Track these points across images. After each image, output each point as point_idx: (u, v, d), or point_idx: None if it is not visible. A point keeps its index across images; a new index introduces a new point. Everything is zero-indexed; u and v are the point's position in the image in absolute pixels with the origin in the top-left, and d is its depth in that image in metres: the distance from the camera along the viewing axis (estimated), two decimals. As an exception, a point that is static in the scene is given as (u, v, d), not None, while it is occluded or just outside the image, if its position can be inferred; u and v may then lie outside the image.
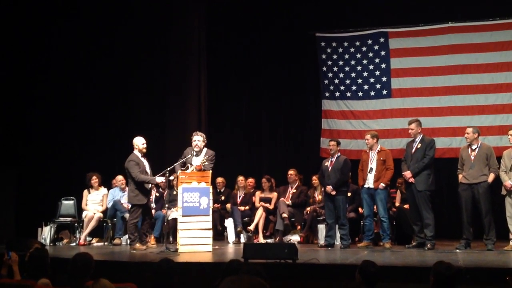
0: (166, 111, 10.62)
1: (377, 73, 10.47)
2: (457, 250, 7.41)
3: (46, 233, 9.09)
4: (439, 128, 9.91)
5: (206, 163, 7.77)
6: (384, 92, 10.42)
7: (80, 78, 10.72)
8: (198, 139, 7.97)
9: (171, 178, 7.96)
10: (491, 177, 7.59)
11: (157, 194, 9.37)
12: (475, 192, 7.59)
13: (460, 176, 7.81)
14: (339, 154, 8.45)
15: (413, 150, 7.96)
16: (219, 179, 9.85)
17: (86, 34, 10.69)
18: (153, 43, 10.76)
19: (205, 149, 8.01)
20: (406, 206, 8.56)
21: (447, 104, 10.01)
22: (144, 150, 8.01)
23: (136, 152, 7.97)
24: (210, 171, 7.77)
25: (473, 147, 7.75)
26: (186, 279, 5.32)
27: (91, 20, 10.67)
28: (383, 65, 10.43)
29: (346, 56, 10.68)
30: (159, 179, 7.84)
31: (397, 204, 9.20)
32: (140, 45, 10.71)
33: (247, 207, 9.44)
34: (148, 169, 7.99)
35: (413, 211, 7.94)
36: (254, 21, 11.20)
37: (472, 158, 7.69)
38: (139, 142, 8.01)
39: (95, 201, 9.44)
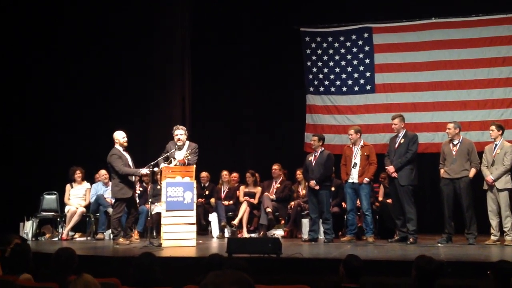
0: (149, 105, 10.55)
1: (361, 68, 10.52)
2: (439, 244, 7.48)
3: (28, 228, 9.01)
4: (421, 123, 9.99)
5: (190, 157, 7.74)
6: (368, 87, 10.47)
7: (63, 72, 10.59)
8: (180, 132, 7.91)
9: (156, 169, 7.90)
10: (472, 172, 7.67)
11: (141, 189, 9.33)
12: (457, 187, 7.67)
13: (441, 171, 7.88)
14: (323, 149, 8.47)
15: (396, 145, 8.02)
16: (203, 174, 9.84)
17: (69, 28, 10.56)
18: (137, 36, 10.65)
19: (187, 142, 7.97)
20: (389, 200, 8.63)
21: (430, 100, 10.09)
22: (125, 144, 7.95)
23: (117, 146, 7.91)
24: (194, 166, 7.75)
25: (455, 142, 7.82)
26: (169, 274, 5.31)
27: (74, 14, 10.55)
28: (367, 60, 10.48)
29: (331, 51, 10.70)
30: (144, 170, 7.80)
31: (380, 198, 9.28)
32: (123, 37, 10.59)
33: (231, 202, 9.45)
34: (130, 163, 7.94)
35: (396, 206, 8.01)
36: (239, 15, 11.17)
37: (454, 153, 7.76)
38: (120, 136, 7.95)
39: (78, 196, 9.37)
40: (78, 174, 9.37)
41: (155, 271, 3.80)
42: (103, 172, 9.34)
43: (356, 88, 10.54)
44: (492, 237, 7.50)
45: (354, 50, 10.55)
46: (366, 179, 8.04)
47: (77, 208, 9.12)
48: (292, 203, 9.16)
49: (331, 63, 10.69)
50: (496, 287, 3.68)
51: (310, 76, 10.80)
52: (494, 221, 7.52)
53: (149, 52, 10.59)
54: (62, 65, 10.58)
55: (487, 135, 8.21)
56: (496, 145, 7.67)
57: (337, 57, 10.67)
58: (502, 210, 7.48)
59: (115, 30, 10.61)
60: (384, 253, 6.70)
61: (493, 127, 7.73)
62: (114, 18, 10.62)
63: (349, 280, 3.85)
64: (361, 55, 10.52)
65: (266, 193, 9.16)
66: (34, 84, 10.55)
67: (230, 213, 9.32)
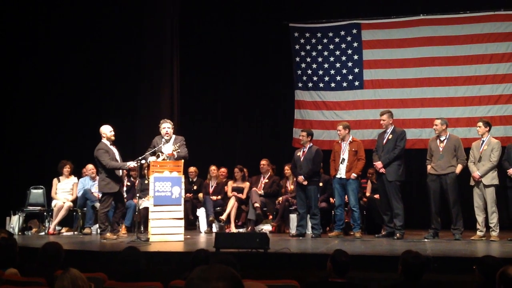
0: (138, 99, 10.50)
1: (350, 64, 10.54)
2: (425, 240, 7.53)
3: (14, 222, 8.94)
4: (409, 120, 10.04)
5: (179, 149, 7.70)
6: (356, 83, 10.50)
7: (52, 66, 10.52)
8: (168, 126, 7.88)
9: (143, 162, 7.85)
10: (458, 168, 7.72)
11: (129, 184, 9.29)
12: (443, 183, 7.72)
13: (428, 167, 7.92)
14: (311, 144, 8.48)
15: (385, 141, 8.05)
16: (192, 169, 9.82)
17: (59, 21, 10.48)
18: (126, 30, 10.60)
19: (173, 136, 7.95)
20: (377, 196, 8.67)
21: (417, 96, 10.14)
22: (113, 138, 7.91)
23: (104, 140, 7.87)
24: (183, 161, 7.72)
25: (442, 139, 7.86)
26: (157, 269, 5.30)
27: (64, 7, 10.47)
28: (356, 57, 10.50)
29: (319, 47, 10.71)
30: (131, 164, 7.75)
31: (367, 194, 9.31)
32: (113, 32, 10.55)
33: (219, 197, 9.44)
34: (118, 157, 7.90)
35: (383, 201, 8.05)
36: (228, 10, 11.15)
37: (441, 149, 7.80)
38: (107, 130, 7.90)
39: (65, 190, 9.31)
40: (67, 168, 9.30)
41: (141, 264, 3.79)
42: (90, 166, 9.29)
43: (345, 84, 10.56)
44: (478, 233, 7.56)
45: (343, 46, 10.57)
46: (353, 175, 8.06)
47: (64, 203, 9.07)
48: (280, 198, 9.17)
49: (320, 59, 10.70)
50: (481, 282, 3.71)
51: (299, 72, 10.81)
52: (480, 217, 7.59)
53: (138, 47, 10.54)
54: (50, 60, 10.50)
55: (474, 132, 8.26)
56: (483, 141, 7.72)
57: (325, 53, 10.68)
58: (488, 206, 7.54)
59: (103, 26, 10.55)
60: (371, 248, 6.73)
61: (480, 124, 7.78)
62: (102, 14, 10.56)
63: (336, 275, 3.86)
64: (349, 51, 10.54)
65: (254, 188, 9.17)
66: (23, 79, 10.47)
67: (218, 208, 9.31)
